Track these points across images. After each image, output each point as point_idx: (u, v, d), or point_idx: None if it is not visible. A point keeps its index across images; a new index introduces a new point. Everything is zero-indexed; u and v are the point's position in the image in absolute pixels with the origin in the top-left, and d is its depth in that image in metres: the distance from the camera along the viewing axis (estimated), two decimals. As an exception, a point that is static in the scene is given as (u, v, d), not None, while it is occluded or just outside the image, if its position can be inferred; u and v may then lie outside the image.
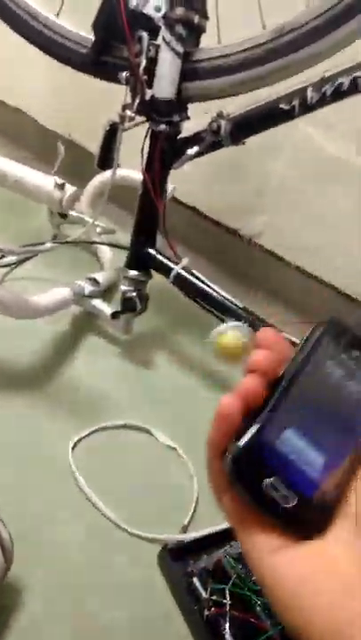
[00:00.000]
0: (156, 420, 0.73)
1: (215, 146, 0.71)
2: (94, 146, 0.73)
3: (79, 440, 0.70)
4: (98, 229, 0.94)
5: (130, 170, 0.91)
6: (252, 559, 0.25)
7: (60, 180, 0.57)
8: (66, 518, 0.62)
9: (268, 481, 0.26)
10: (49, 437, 0.70)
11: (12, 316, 0.73)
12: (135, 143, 0.72)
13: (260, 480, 0.26)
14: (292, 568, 0.24)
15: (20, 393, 0.76)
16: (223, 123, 0.68)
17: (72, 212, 0.96)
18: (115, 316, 0.82)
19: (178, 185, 0.98)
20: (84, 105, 1.09)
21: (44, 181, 0.57)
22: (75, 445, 0.70)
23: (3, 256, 0.87)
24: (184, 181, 1.01)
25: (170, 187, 0.93)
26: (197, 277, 0.76)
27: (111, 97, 0.70)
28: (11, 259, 0.92)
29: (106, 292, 0.93)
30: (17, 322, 0.77)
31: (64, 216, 0.96)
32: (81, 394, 0.78)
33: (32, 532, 0.60)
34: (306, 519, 0.26)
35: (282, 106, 0.65)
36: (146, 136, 0.73)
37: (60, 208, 0.57)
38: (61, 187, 0.57)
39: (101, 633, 0.55)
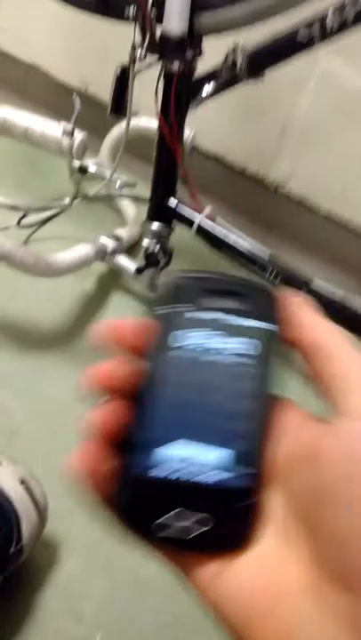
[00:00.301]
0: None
1: (232, 82, 0.66)
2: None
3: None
4: (118, 183, 0.91)
5: (147, 118, 0.87)
6: (198, 593, 0.22)
7: (68, 127, 0.54)
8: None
9: (169, 515, 0.22)
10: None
11: (36, 275, 0.72)
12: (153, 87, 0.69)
13: (159, 518, 0.22)
14: (235, 591, 0.22)
15: (49, 351, 0.76)
16: (240, 56, 0.64)
17: (92, 168, 0.93)
18: (139, 271, 0.79)
19: (197, 132, 0.94)
20: (100, 57, 1.04)
21: (53, 129, 0.54)
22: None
23: (24, 215, 0.86)
24: (204, 129, 0.97)
25: (189, 133, 0.89)
26: (222, 226, 0.72)
27: (128, 47, 0.66)
28: (33, 219, 0.90)
29: (131, 249, 0.90)
30: (42, 281, 0.76)
31: (84, 172, 0.93)
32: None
33: (66, 487, 0.60)
34: (228, 533, 0.23)
35: (301, 33, 0.60)
36: (159, 77, 0.69)
37: (71, 156, 0.54)
38: (70, 134, 0.54)
39: (140, 586, 0.55)
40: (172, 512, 0.22)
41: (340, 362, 0.24)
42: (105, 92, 1.09)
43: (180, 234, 0.78)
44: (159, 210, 0.76)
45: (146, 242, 0.78)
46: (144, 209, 0.84)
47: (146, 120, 0.86)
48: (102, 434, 0.24)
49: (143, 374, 0.24)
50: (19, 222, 0.86)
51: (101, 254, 0.81)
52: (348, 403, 0.23)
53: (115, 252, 0.83)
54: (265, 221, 1.00)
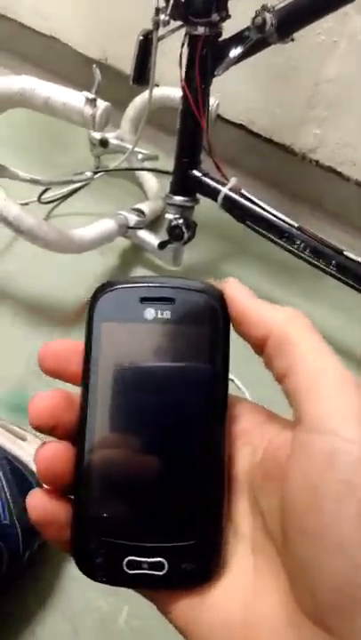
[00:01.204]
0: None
1: (261, 44, 0.63)
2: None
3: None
4: (140, 156, 0.89)
5: (171, 87, 0.84)
6: (179, 628, 0.21)
7: (90, 95, 0.52)
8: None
9: (128, 560, 0.21)
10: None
11: (57, 251, 0.70)
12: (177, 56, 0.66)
13: (119, 565, 0.21)
14: (213, 627, 0.20)
15: (73, 329, 0.75)
16: (268, 16, 0.60)
17: (113, 141, 0.91)
18: (162, 246, 0.78)
19: (222, 101, 0.90)
20: (120, 28, 1.01)
21: (74, 98, 0.52)
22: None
23: (45, 190, 0.84)
24: (228, 97, 0.93)
25: (213, 102, 0.86)
26: (248, 198, 0.70)
27: (149, 17, 0.63)
28: (54, 194, 0.89)
29: (154, 223, 0.89)
30: (65, 257, 0.75)
31: (105, 145, 0.91)
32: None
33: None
34: (195, 569, 0.21)
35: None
36: (183, 43, 0.66)
37: (94, 126, 0.52)
38: (93, 102, 0.52)
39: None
40: (124, 561, 0.21)
41: (296, 357, 0.20)
42: (126, 63, 1.06)
43: (204, 207, 0.76)
44: (183, 182, 0.74)
45: (169, 216, 0.76)
46: (167, 182, 0.82)
47: (169, 89, 0.84)
48: (47, 480, 0.21)
49: (81, 406, 0.22)
50: (39, 197, 0.85)
51: (124, 229, 0.80)
52: (306, 410, 0.19)
53: (137, 226, 0.81)
54: (292, 192, 0.97)
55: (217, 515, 0.21)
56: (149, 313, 0.22)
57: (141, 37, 0.67)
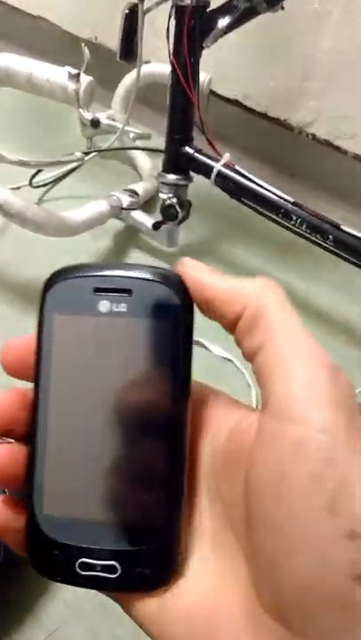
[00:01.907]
0: (209, 333, 0.69)
1: (250, 13, 0.61)
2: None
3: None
4: (131, 135, 0.87)
5: (160, 64, 0.82)
6: (143, 628, 0.20)
7: (73, 71, 0.51)
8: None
9: (80, 562, 0.20)
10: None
11: (49, 235, 0.69)
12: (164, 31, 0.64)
13: (72, 566, 0.20)
14: (176, 624, 0.19)
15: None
16: (257, -17, 0.58)
17: (104, 121, 0.89)
18: (156, 226, 0.76)
19: (215, 77, 0.88)
20: (110, 4, 0.99)
21: (57, 73, 0.51)
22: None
23: (37, 173, 0.82)
24: (221, 73, 0.91)
25: (205, 77, 0.84)
26: (242, 174, 0.68)
27: None
28: (46, 177, 0.87)
29: (148, 204, 0.87)
30: (58, 240, 0.73)
31: (96, 125, 0.89)
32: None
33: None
34: (150, 573, 0.20)
35: None
36: (170, 15, 0.64)
37: (78, 102, 0.51)
38: (76, 77, 0.50)
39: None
40: (77, 562, 0.20)
41: (267, 335, 0.19)
42: (116, 41, 1.04)
43: (199, 186, 0.75)
44: (175, 160, 0.72)
45: (162, 195, 0.74)
46: (160, 162, 0.81)
47: (158, 65, 0.82)
48: (3, 482, 0.20)
49: (32, 405, 0.21)
50: (31, 181, 0.83)
51: (116, 211, 0.78)
52: (275, 393, 0.18)
53: (130, 207, 0.80)
54: (288, 167, 0.95)
55: (174, 518, 0.20)
56: (103, 305, 0.21)
57: (127, 11, 0.65)
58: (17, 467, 0.20)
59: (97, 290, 0.21)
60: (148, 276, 0.21)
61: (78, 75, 0.50)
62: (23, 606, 0.51)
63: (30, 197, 0.85)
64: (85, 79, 0.51)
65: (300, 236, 0.67)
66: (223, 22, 0.61)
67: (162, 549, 0.20)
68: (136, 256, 0.83)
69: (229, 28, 0.62)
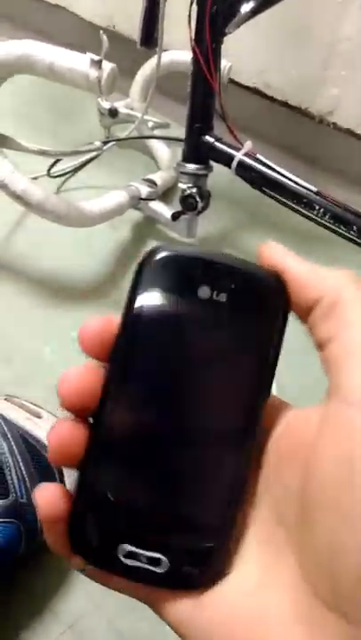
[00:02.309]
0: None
1: (274, -3, 0.59)
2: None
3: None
4: (150, 124, 0.86)
5: (180, 51, 0.81)
6: (173, 627, 0.19)
7: (96, 57, 0.50)
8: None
9: (121, 548, 0.19)
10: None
11: (68, 225, 0.69)
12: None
13: (112, 549, 0.19)
14: (213, 625, 0.18)
15: (85, 303, 0.73)
16: (282, -34, 0.57)
17: (122, 110, 0.88)
18: (175, 217, 0.75)
19: (234, 64, 0.87)
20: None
21: (79, 60, 0.50)
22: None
23: (56, 162, 0.82)
24: (241, 60, 0.90)
25: (225, 64, 0.82)
26: (263, 163, 0.67)
27: None
28: (65, 167, 0.87)
29: (166, 195, 0.86)
30: (75, 231, 0.73)
31: (114, 115, 0.88)
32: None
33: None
34: (197, 573, 0.19)
35: None
36: (192, 1, 0.63)
37: (100, 90, 0.50)
38: (98, 64, 0.49)
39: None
40: (122, 548, 0.19)
41: (343, 324, 0.18)
42: (134, 29, 1.02)
43: (217, 175, 0.74)
44: (195, 149, 0.71)
45: (181, 185, 0.73)
46: (179, 151, 0.79)
47: (178, 53, 0.80)
48: (57, 459, 0.20)
49: (105, 386, 0.20)
50: (49, 171, 0.83)
51: (135, 201, 0.77)
52: (346, 380, 0.18)
53: (149, 197, 0.79)
54: (309, 156, 0.94)
55: (231, 519, 0.20)
56: (204, 291, 0.20)
57: (148, -4, 0.63)
58: (76, 445, 0.20)
59: (199, 275, 0.20)
60: (252, 270, 0.20)
61: (100, 62, 0.50)
62: (42, 598, 0.51)
63: (48, 187, 0.84)
64: (108, 66, 0.50)
65: (323, 226, 0.65)
66: (247, 7, 0.60)
67: (213, 549, 0.19)
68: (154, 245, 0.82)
69: (253, 13, 0.61)
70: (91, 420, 0.20)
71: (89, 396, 0.20)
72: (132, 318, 0.20)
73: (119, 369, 0.20)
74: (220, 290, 0.20)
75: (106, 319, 0.21)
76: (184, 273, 0.20)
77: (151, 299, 0.20)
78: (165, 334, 0.20)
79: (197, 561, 0.19)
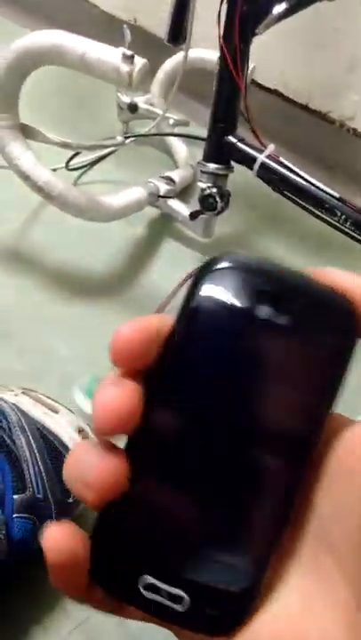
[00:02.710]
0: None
1: (307, 1, 0.59)
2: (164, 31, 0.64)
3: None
4: (171, 121, 0.86)
5: (205, 50, 0.81)
6: None
7: (128, 52, 0.49)
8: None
9: (142, 579, 0.18)
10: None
11: (88, 219, 0.68)
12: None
13: (136, 582, 0.18)
14: None
15: (99, 299, 0.73)
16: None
17: (142, 105, 0.88)
18: (193, 216, 0.75)
19: (254, 63, 0.86)
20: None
21: (111, 54, 0.49)
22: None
23: (75, 155, 0.81)
24: (262, 60, 0.89)
25: (250, 64, 0.82)
26: (286, 166, 0.67)
27: None
28: (82, 160, 0.86)
29: (182, 193, 0.86)
30: (91, 227, 0.72)
31: (133, 110, 0.88)
32: (159, 302, 0.74)
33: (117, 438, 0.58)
34: (221, 616, 0.18)
35: None
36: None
37: (130, 84, 0.49)
38: (130, 59, 0.49)
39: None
40: (142, 579, 0.18)
41: None
42: (156, 24, 1.02)
43: (237, 176, 0.73)
44: (217, 149, 0.71)
45: (201, 184, 0.73)
46: (196, 150, 0.79)
47: (203, 51, 0.80)
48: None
49: (149, 401, 0.18)
50: (67, 163, 0.82)
51: (154, 198, 0.77)
52: None
53: (167, 195, 0.78)
54: (328, 161, 0.93)
55: (266, 561, 0.18)
56: (263, 310, 0.18)
57: (178, -7, 0.63)
58: (130, 406, 0.18)
59: (260, 291, 0.18)
60: (321, 292, 0.19)
61: (133, 56, 0.49)
62: (53, 594, 0.51)
63: (65, 180, 0.83)
64: (140, 61, 0.49)
65: (343, 232, 0.65)
66: (279, 9, 0.59)
67: (242, 593, 0.18)
68: (170, 243, 0.82)
69: (284, 14, 0.60)
70: (122, 440, 0.19)
71: (141, 353, 0.18)
72: (181, 335, 0.18)
73: (163, 385, 0.18)
74: (280, 310, 0.18)
75: (140, 325, 0.18)
76: (243, 288, 0.18)
77: (206, 313, 0.18)
78: (219, 353, 0.18)
79: (223, 603, 0.18)
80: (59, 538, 0.18)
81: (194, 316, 0.18)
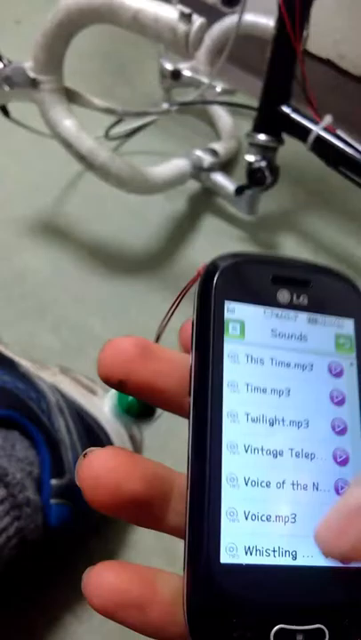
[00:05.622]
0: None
1: None
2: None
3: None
4: (218, 89, 0.81)
5: (257, 15, 0.76)
6: None
7: (186, 10, 0.45)
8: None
9: (276, 630, 0.15)
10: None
11: (128, 191, 0.65)
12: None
13: (226, 631, 0.15)
14: None
15: (138, 276, 0.70)
16: None
17: (186, 72, 0.83)
18: (239, 191, 0.71)
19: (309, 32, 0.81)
20: None
21: (167, 11, 0.45)
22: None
23: (117, 122, 0.78)
24: (314, 28, 0.84)
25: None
26: (344, 140, 0.62)
27: None
28: (121, 130, 0.82)
29: (226, 167, 0.82)
30: (130, 198, 0.69)
31: (176, 77, 0.84)
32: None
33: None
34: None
35: None
36: None
37: (186, 45, 0.45)
38: (187, 18, 0.45)
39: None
40: (272, 630, 0.15)
41: None
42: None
43: (285, 149, 0.69)
44: (269, 119, 0.66)
45: (250, 157, 0.69)
46: (240, 121, 0.75)
47: (255, 16, 0.75)
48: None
49: (196, 421, 0.18)
50: (107, 132, 0.79)
51: (197, 170, 0.73)
52: None
53: (211, 168, 0.74)
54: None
55: None
56: (283, 296, 0.19)
57: None
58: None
59: (275, 279, 0.19)
60: (325, 269, 0.20)
61: (190, 15, 0.45)
62: (75, 588, 0.49)
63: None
64: (198, 20, 0.45)
65: None
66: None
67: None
68: (211, 219, 0.78)
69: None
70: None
71: None
72: (213, 336, 0.18)
73: (214, 394, 0.18)
74: (299, 291, 0.19)
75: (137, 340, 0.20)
76: (259, 279, 0.19)
77: (232, 310, 0.18)
78: (257, 350, 0.18)
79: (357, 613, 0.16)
80: (111, 582, 0.17)
81: (208, 314, 0.18)
